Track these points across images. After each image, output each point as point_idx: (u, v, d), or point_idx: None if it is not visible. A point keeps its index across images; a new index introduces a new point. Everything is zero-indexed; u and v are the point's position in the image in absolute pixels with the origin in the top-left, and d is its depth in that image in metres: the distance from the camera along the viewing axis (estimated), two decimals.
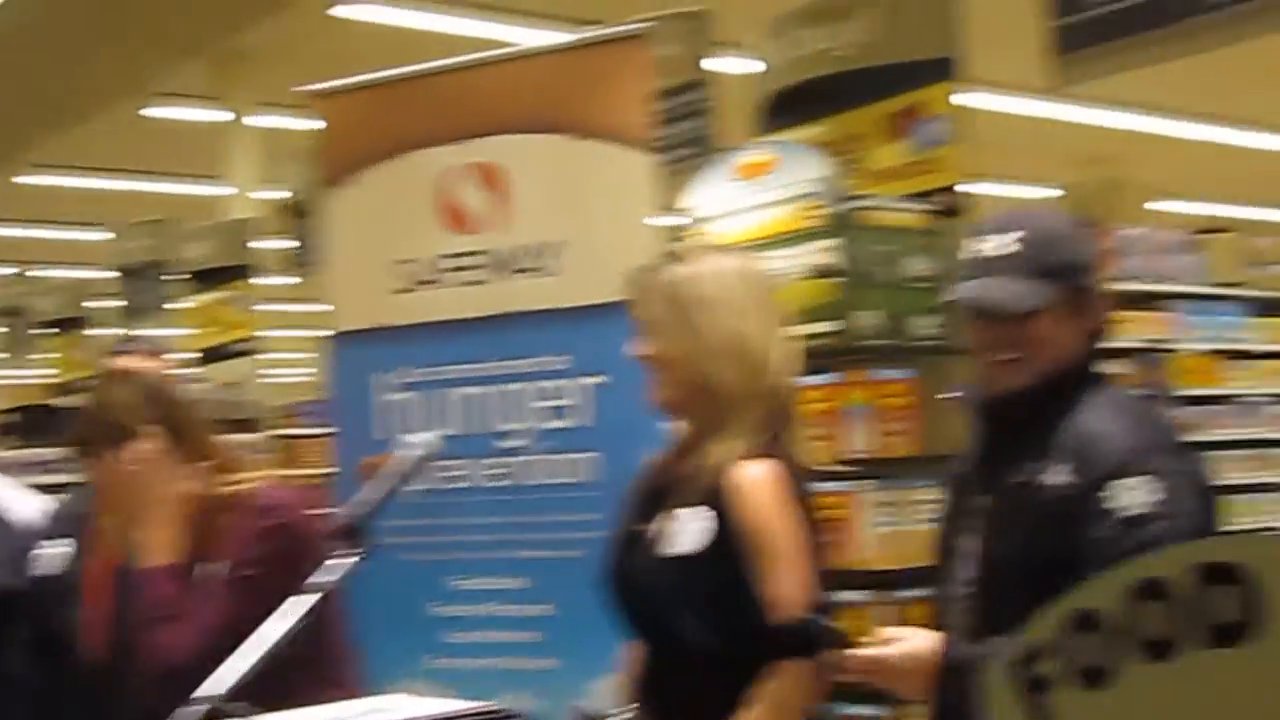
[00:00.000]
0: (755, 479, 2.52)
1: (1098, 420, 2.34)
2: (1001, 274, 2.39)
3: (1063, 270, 2.39)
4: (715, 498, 2.53)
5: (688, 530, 2.54)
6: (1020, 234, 2.41)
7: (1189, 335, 7.85)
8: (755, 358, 2.60)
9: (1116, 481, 2.23)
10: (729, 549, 2.51)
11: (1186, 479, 2.29)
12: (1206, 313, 8.00)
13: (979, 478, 2.48)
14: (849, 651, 2.27)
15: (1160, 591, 1.13)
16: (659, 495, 2.62)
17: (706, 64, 5.24)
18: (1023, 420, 2.40)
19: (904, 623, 3.94)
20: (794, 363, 2.66)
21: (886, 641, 2.28)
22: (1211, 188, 16.40)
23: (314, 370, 23.77)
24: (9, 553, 3.62)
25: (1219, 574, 1.09)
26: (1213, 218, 13.94)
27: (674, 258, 2.68)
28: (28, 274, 12.43)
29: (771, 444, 2.56)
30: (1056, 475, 2.29)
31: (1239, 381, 8.19)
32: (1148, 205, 15.09)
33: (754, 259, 2.75)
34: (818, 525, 2.62)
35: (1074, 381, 2.41)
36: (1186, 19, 3.52)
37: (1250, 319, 8.32)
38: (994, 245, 2.42)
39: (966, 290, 2.42)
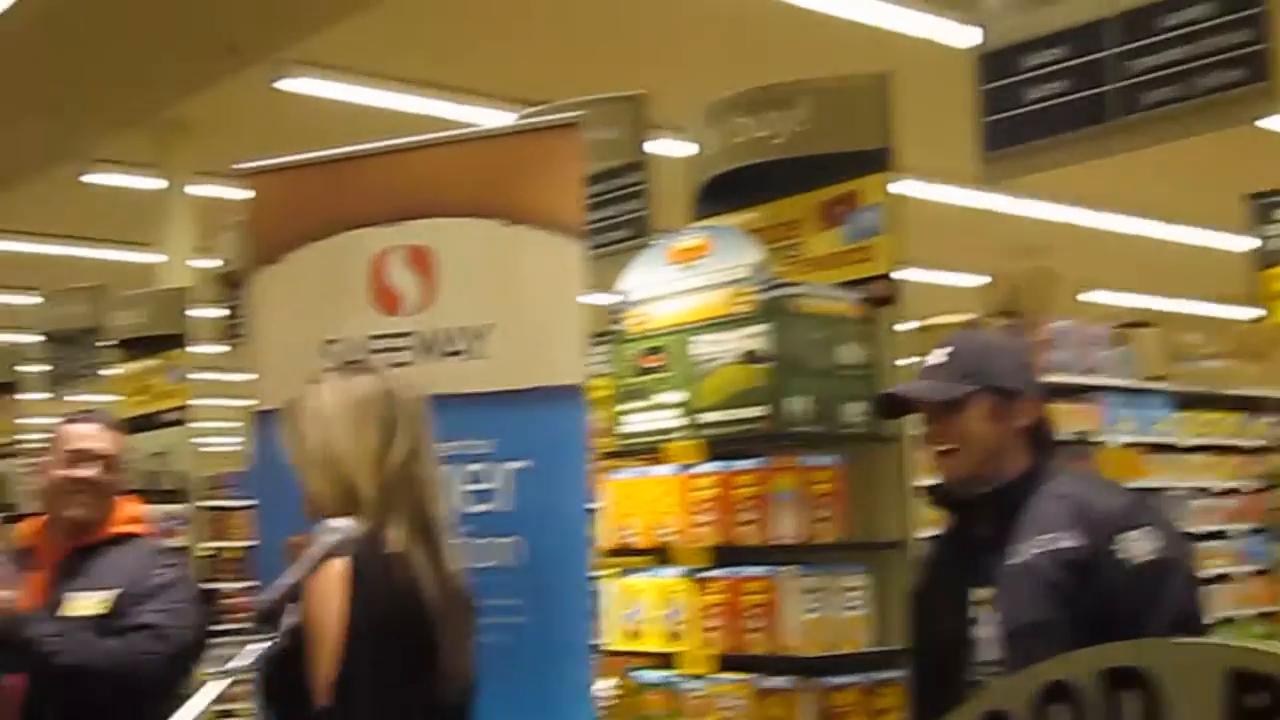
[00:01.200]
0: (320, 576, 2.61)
1: (1083, 490, 2.73)
2: (930, 377, 2.86)
3: (983, 373, 2.81)
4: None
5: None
6: (951, 348, 2.89)
7: (1116, 428, 7.96)
8: (341, 468, 2.73)
9: (1122, 535, 2.59)
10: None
11: (1172, 526, 2.74)
12: (1133, 406, 8.11)
13: (965, 571, 2.77)
14: None
15: (1067, 695, 1.14)
16: None
17: (643, 147, 5.28)
18: (1000, 512, 2.74)
19: (830, 709, 3.96)
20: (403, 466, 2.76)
21: None
22: (1139, 280, 16.67)
23: (243, 440, 23.65)
24: None
25: (1124, 679, 1.11)
26: (1142, 309, 14.17)
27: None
28: None
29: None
30: (1063, 540, 2.61)
31: (1164, 474, 8.30)
32: (1078, 297, 15.30)
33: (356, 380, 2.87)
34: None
35: (1030, 473, 2.79)
36: (1111, 120, 3.60)
37: (1175, 413, 8.45)
38: (931, 358, 2.88)
39: (897, 388, 3.00)
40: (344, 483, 2.72)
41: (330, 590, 2.58)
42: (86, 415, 3.75)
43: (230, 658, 2.25)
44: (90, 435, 3.68)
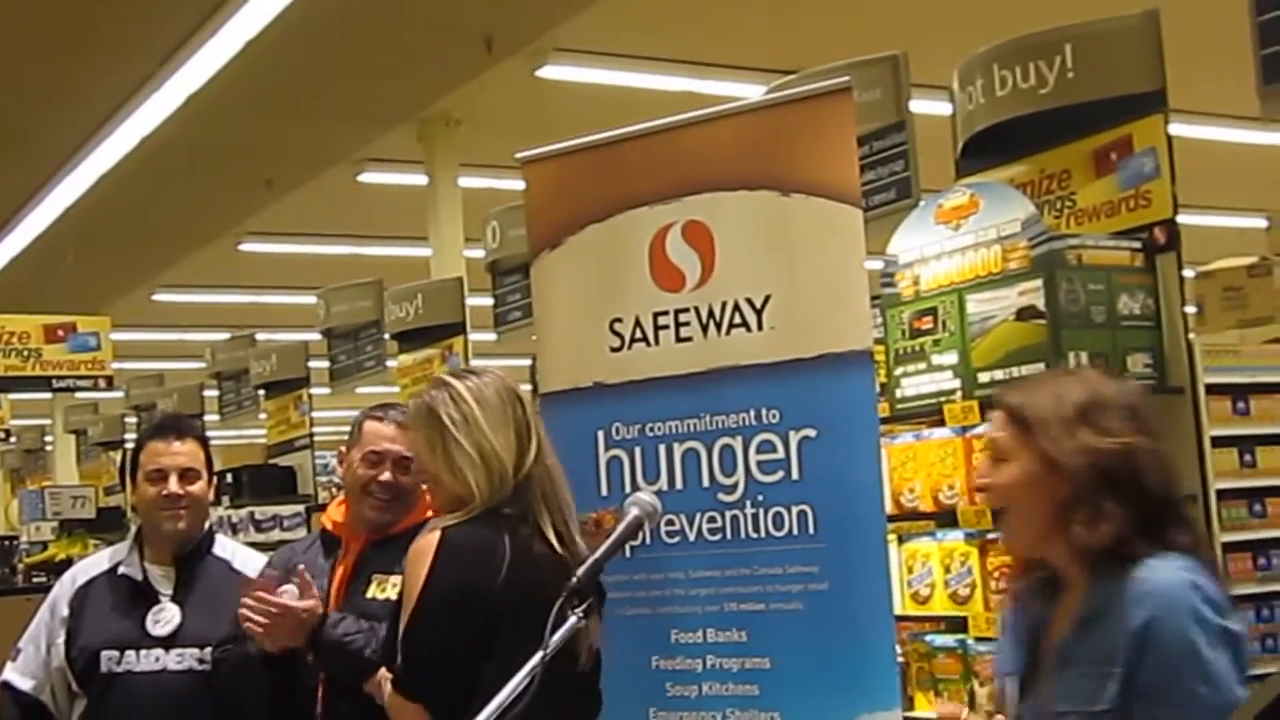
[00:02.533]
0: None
1: None
2: None
3: None
4: None
5: None
6: None
7: None
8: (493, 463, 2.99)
9: None
10: None
11: None
12: None
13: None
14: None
15: None
16: None
17: (905, 107, 5.21)
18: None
19: None
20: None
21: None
22: None
23: None
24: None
25: None
26: None
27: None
28: (246, 337, 12.88)
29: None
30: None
31: None
32: None
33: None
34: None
35: None
36: None
37: None
38: None
39: None
40: (498, 477, 2.96)
41: (421, 559, 2.90)
42: (385, 410, 3.71)
43: (547, 632, 2.32)
44: (389, 436, 3.62)
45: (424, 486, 3.65)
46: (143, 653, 3.72)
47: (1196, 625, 2.23)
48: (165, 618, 3.76)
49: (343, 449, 3.74)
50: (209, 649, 3.74)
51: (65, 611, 3.86)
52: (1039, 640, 2.46)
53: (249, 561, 3.95)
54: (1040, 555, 2.47)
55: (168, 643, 3.73)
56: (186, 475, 3.82)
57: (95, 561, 4.00)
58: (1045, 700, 2.37)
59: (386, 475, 3.60)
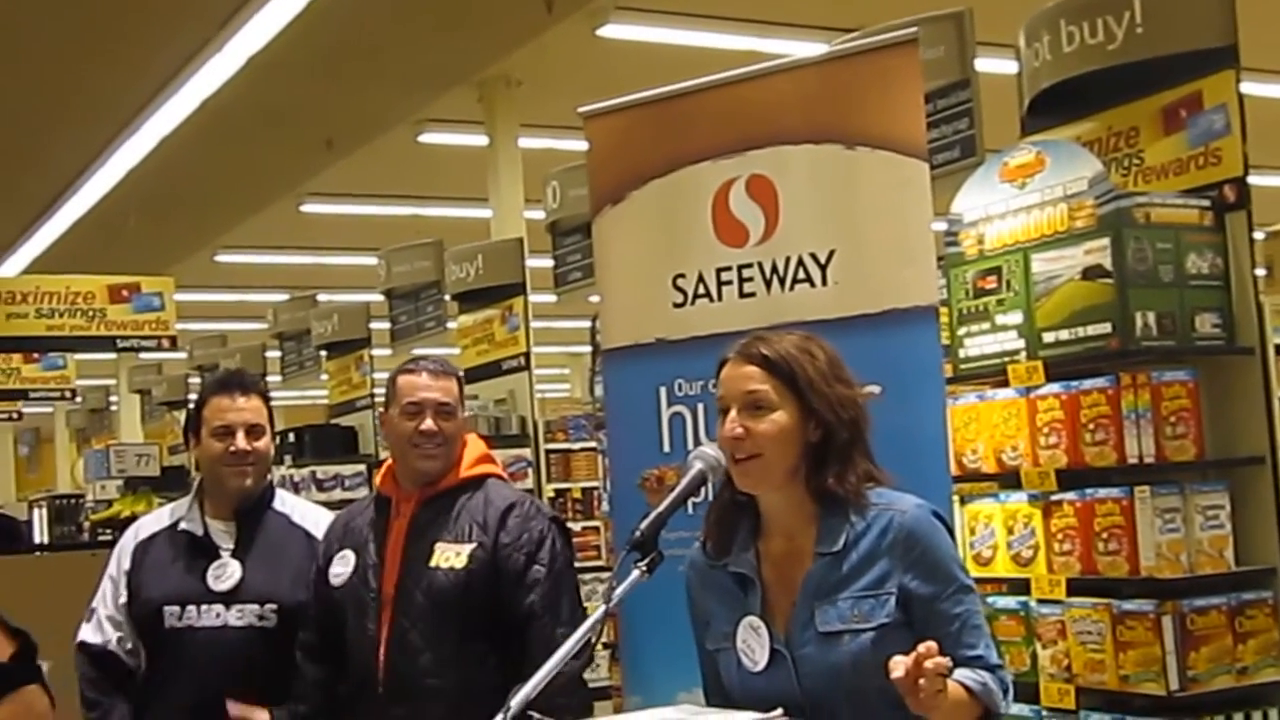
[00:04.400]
0: None
1: None
2: None
3: None
4: None
5: None
6: None
7: None
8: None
9: None
10: None
11: None
12: None
13: None
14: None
15: None
16: None
17: (970, 65, 5.16)
18: None
19: (1192, 633, 3.84)
20: None
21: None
22: None
23: (570, 386, 24.25)
24: (306, 569, 3.80)
25: None
26: None
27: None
28: (308, 297, 12.96)
29: None
30: None
31: None
32: None
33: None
34: None
35: None
36: None
37: None
38: None
39: None
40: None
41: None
42: (417, 362, 3.71)
43: (611, 588, 2.32)
44: (425, 385, 3.63)
45: (465, 436, 3.67)
46: (204, 608, 3.75)
47: (941, 531, 2.64)
48: (226, 573, 3.78)
49: (382, 411, 3.74)
50: (269, 605, 3.76)
51: (128, 565, 3.90)
52: (760, 582, 2.66)
53: (308, 515, 3.98)
54: (771, 493, 2.67)
55: (228, 598, 3.75)
56: (253, 431, 3.84)
57: (156, 517, 4.02)
58: (796, 631, 2.59)
59: (428, 423, 3.59)
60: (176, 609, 3.76)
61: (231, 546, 3.83)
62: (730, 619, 2.68)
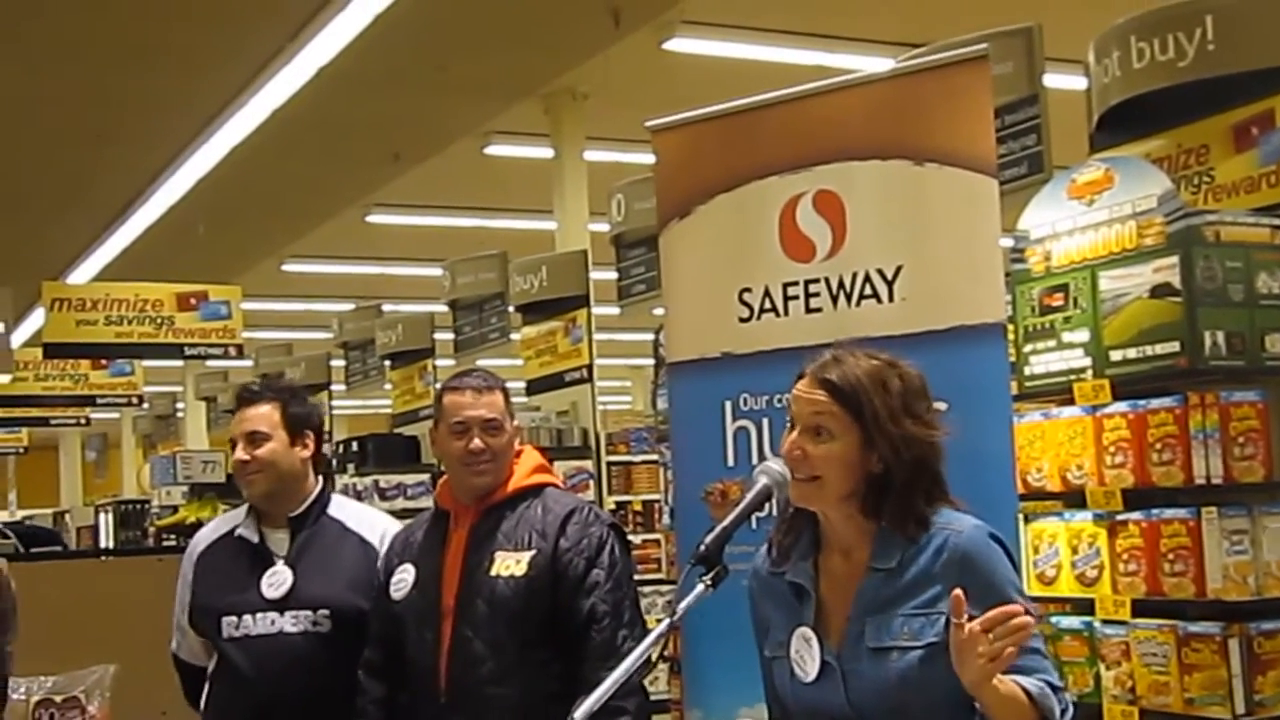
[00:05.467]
0: None
1: None
2: None
3: None
4: None
5: None
6: None
7: None
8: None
9: None
10: None
11: None
12: None
13: None
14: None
15: None
16: None
17: (1039, 81, 5.13)
18: None
19: (1259, 656, 3.79)
20: None
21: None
22: None
23: (632, 398, 24.27)
24: (367, 577, 3.82)
25: None
26: None
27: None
28: (372, 307, 13.05)
29: None
30: None
31: None
32: None
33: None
34: None
35: None
36: None
37: None
38: None
39: None
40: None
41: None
42: (461, 379, 3.71)
43: (674, 600, 2.33)
44: (469, 404, 3.64)
45: (517, 445, 3.69)
46: (258, 615, 3.78)
47: (998, 553, 2.59)
48: (278, 580, 3.81)
49: (432, 428, 3.75)
50: (322, 610, 3.78)
51: (190, 577, 3.97)
52: (815, 594, 2.66)
53: (364, 519, 4.00)
54: (825, 512, 2.66)
55: (281, 605, 3.78)
56: (253, 437, 3.87)
57: (215, 527, 4.08)
58: (848, 644, 2.58)
59: (476, 441, 3.61)
60: (234, 619, 3.80)
61: (284, 554, 3.87)
62: (786, 628, 2.69)
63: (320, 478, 3.99)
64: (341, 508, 4.01)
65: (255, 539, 3.89)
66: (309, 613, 3.78)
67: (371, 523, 3.98)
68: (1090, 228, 4.23)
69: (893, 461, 2.59)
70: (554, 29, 9.97)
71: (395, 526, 3.96)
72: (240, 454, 3.86)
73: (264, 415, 3.88)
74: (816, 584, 2.67)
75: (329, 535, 3.91)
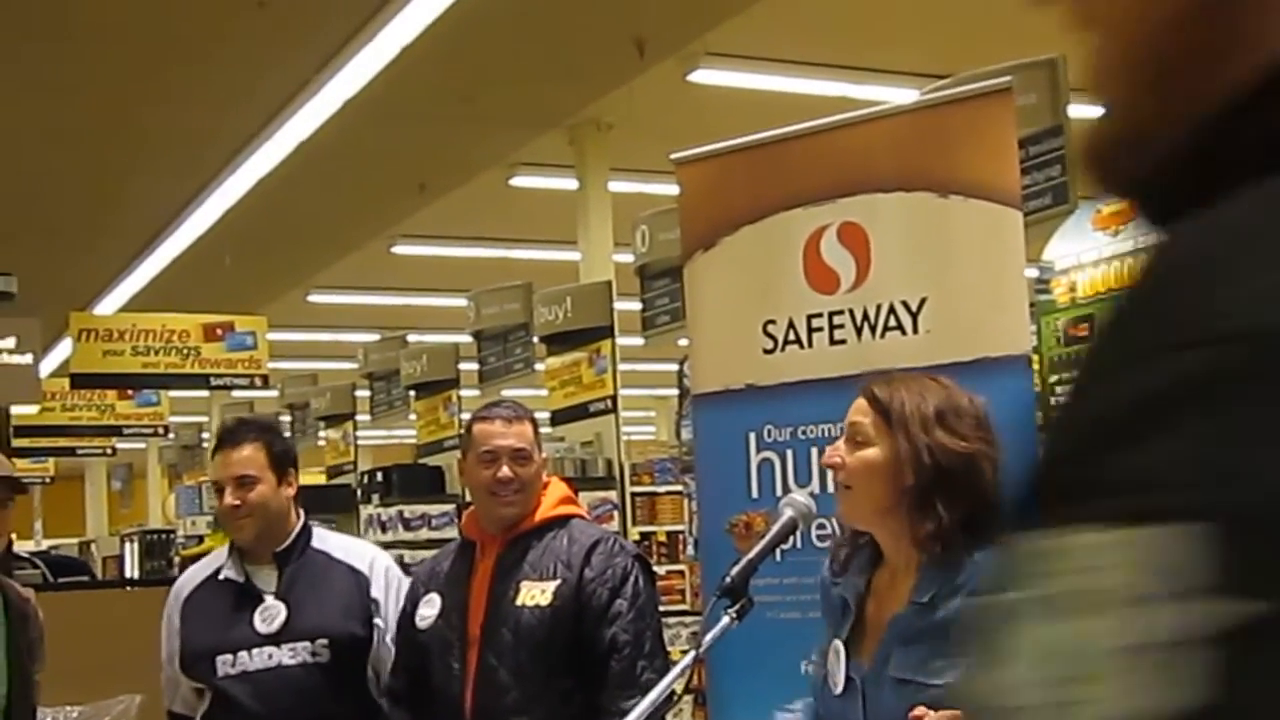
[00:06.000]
0: None
1: None
2: None
3: None
4: None
5: None
6: None
7: None
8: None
9: None
10: None
11: None
12: None
13: None
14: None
15: None
16: None
17: (1063, 111, 5.13)
18: None
19: None
20: None
21: None
22: None
23: (656, 429, 24.22)
24: (361, 603, 3.84)
25: None
26: None
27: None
28: (397, 338, 13.08)
29: None
30: None
31: None
32: None
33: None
34: None
35: None
36: None
37: None
38: None
39: None
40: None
41: None
42: (490, 410, 3.73)
43: (699, 633, 2.33)
44: (499, 433, 3.64)
45: (544, 477, 3.70)
46: (254, 651, 3.78)
47: None
48: (270, 614, 3.81)
49: (460, 459, 3.76)
50: (320, 640, 3.79)
51: (177, 623, 3.95)
52: (860, 609, 2.68)
53: (351, 549, 4.02)
54: (869, 530, 2.69)
55: (276, 638, 3.78)
56: (243, 482, 3.85)
57: (197, 570, 4.07)
58: (875, 667, 2.59)
59: (505, 471, 3.61)
60: (229, 656, 3.79)
61: (274, 589, 3.86)
62: (828, 637, 2.72)
63: (301, 512, 4.00)
64: (324, 540, 4.02)
65: (241, 579, 3.89)
66: (307, 643, 3.78)
67: (360, 552, 4.01)
68: (1116, 258, 4.22)
69: (920, 470, 2.58)
70: (579, 61, 10.00)
71: (383, 555, 4.01)
72: (230, 499, 3.83)
73: (250, 458, 3.85)
74: (864, 601, 2.69)
75: (316, 566, 3.92)
